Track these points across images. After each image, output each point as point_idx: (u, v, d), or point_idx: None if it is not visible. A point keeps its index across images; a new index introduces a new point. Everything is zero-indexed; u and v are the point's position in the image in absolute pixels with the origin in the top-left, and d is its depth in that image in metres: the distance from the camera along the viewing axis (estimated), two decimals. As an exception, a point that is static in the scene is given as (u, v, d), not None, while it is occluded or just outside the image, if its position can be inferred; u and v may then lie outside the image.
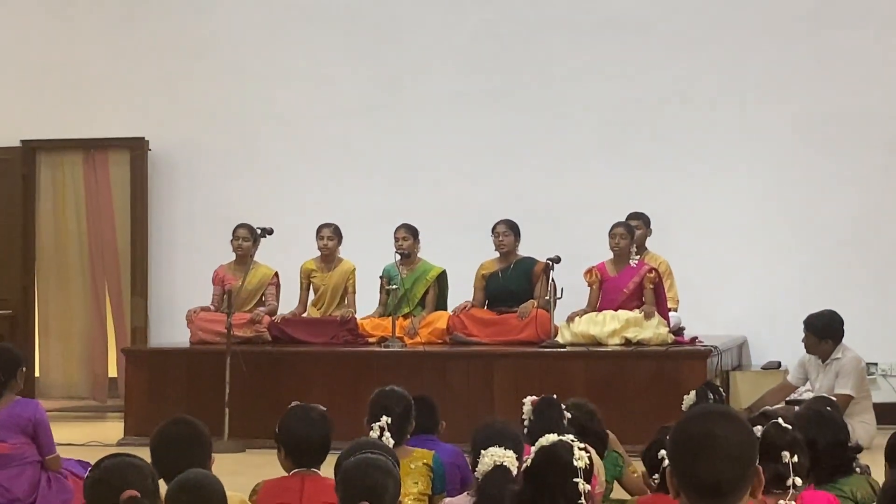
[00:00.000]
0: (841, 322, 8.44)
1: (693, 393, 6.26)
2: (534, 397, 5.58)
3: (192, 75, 12.24)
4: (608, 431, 5.89)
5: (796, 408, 6.74)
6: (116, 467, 3.47)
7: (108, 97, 12.31)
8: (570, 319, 9.58)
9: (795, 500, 4.09)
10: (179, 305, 10.81)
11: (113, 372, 11.99)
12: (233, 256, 10.44)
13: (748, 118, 11.23)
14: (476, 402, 9.06)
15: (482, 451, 4.43)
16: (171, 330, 11.56)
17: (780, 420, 4.30)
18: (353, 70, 12.01)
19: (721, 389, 6.15)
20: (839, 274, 10.92)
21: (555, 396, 5.61)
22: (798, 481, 4.13)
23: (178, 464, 4.02)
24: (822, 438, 4.91)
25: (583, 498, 3.86)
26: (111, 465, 3.49)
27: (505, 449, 4.38)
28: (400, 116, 11.88)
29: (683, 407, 6.10)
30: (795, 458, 4.15)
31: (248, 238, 10.25)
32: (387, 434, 5.12)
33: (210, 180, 12.15)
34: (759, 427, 4.16)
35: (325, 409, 4.92)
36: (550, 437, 4.00)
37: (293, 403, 4.99)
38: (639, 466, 5.80)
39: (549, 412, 5.47)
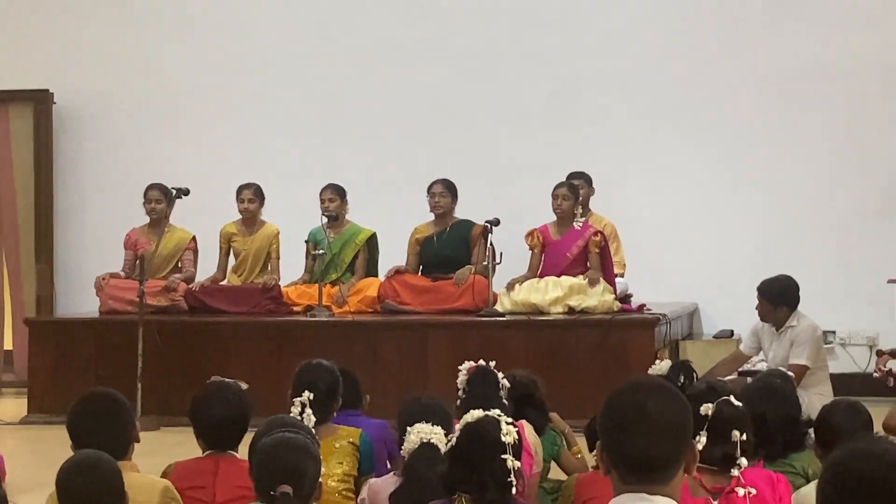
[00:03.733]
0: (796, 288, 8.51)
1: (664, 364, 6.30)
2: (471, 363, 5.62)
3: (101, 19, 12.07)
4: (550, 413, 5.94)
5: (749, 379, 6.81)
6: None
7: (6, 44, 12.12)
8: (510, 286, 9.62)
9: (736, 479, 4.16)
10: (89, 272, 10.71)
11: (8, 345, 11.87)
12: (147, 219, 10.37)
13: (702, 73, 11.26)
14: (409, 375, 9.09)
15: (408, 428, 4.45)
16: (79, 299, 11.46)
17: (731, 397, 4.36)
18: (277, 15, 11.91)
19: (694, 373, 6.22)
20: (796, 238, 11.03)
21: (493, 364, 5.65)
22: (744, 461, 4.20)
23: (96, 440, 4.09)
24: (771, 413, 4.98)
25: (512, 475, 3.90)
26: None
27: (433, 425, 4.40)
28: (329, 67, 11.80)
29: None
30: (744, 437, 4.22)
31: (160, 200, 10.19)
32: (308, 411, 5.11)
33: (122, 136, 12.03)
34: (710, 405, 4.22)
35: (245, 385, 4.94)
36: (476, 413, 4.03)
37: (212, 378, 5.00)
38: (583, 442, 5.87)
39: (484, 382, 5.51)
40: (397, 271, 10.04)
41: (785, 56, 11.12)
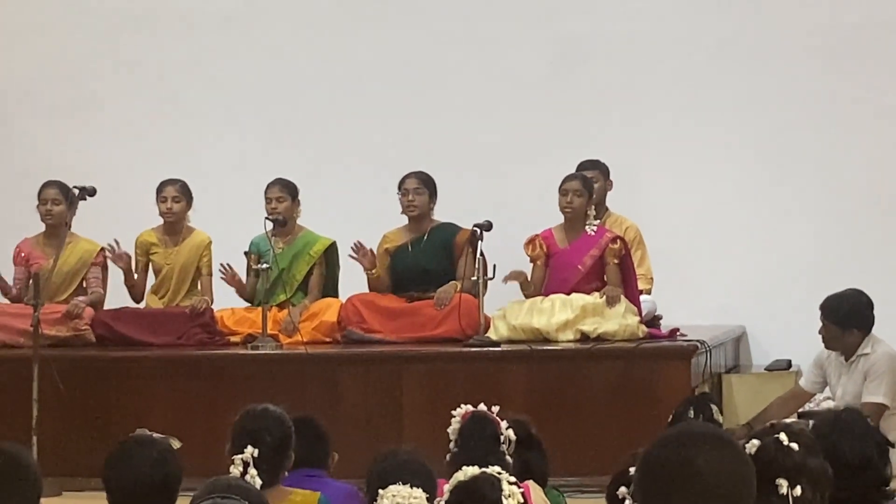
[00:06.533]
0: (870, 306, 8.54)
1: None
2: (467, 408, 5.65)
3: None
4: None
5: (811, 422, 6.75)
6: None
7: None
8: (508, 280, 9.56)
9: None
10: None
11: None
12: (42, 227, 10.33)
13: (745, 35, 11.33)
14: (378, 422, 9.11)
15: (380, 491, 4.46)
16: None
17: (784, 435, 4.24)
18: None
19: (715, 406, 6.22)
20: (866, 244, 11.10)
21: (496, 410, 5.67)
22: None
23: None
24: (842, 453, 4.90)
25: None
26: None
27: (412, 487, 4.41)
28: (269, 33, 11.86)
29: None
30: (798, 491, 4.12)
31: (58, 201, 10.17)
32: (253, 471, 5.17)
33: (14, 126, 12.10)
34: (756, 442, 4.13)
35: (178, 443, 4.97)
36: (470, 471, 4.07)
37: (138, 432, 5.02)
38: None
39: (481, 433, 5.56)
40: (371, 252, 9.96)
41: (851, 8, 11.11)
